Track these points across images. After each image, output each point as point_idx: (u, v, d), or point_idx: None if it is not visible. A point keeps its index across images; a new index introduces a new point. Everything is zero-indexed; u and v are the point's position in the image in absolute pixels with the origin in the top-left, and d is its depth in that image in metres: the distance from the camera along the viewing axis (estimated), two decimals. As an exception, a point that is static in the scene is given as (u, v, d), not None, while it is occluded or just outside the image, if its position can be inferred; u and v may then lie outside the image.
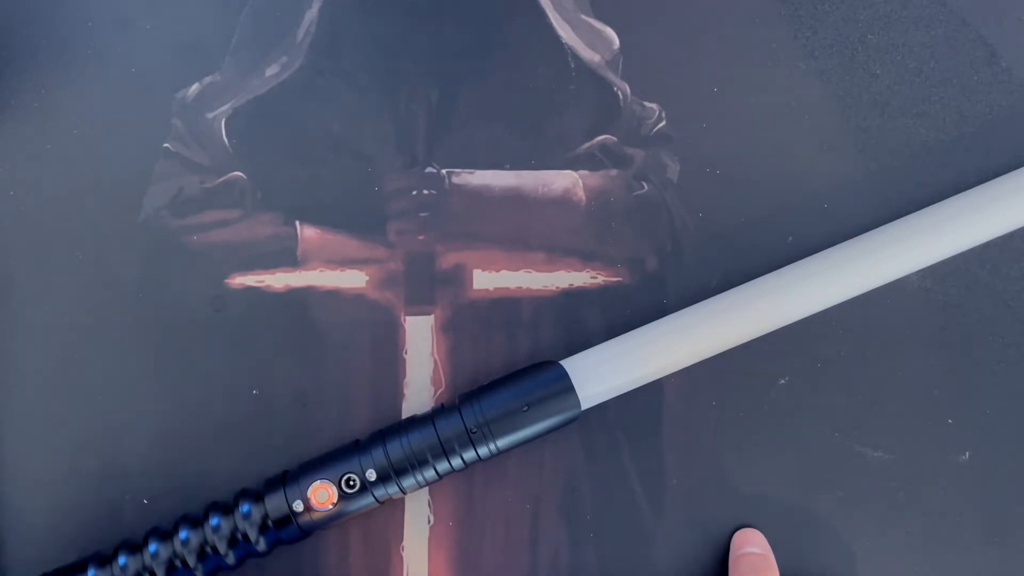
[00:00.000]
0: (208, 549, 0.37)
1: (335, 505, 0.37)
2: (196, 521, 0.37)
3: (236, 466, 0.40)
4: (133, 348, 0.41)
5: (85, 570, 0.37)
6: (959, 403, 0.42)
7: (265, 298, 0.42)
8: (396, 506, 0.41)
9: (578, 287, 0.42)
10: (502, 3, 0.44)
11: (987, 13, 0.44)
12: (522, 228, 0.42)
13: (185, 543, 0.37)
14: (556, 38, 0.44)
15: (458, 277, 0.42)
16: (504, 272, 0.42)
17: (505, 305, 0.42)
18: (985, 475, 0.41)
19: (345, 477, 0.37)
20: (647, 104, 0.43)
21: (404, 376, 0.42)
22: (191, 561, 0.37)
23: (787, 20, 0.44)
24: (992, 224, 0.40)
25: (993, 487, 0.41)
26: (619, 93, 0.43)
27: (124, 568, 0.36)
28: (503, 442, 0.37)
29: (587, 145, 0.43)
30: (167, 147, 0.43)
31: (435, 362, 0.42)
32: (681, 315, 0.40)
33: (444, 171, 0.43)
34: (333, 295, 0.42)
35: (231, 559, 0.37)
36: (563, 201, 0.43)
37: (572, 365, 0.39)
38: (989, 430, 0.41)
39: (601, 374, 0.39)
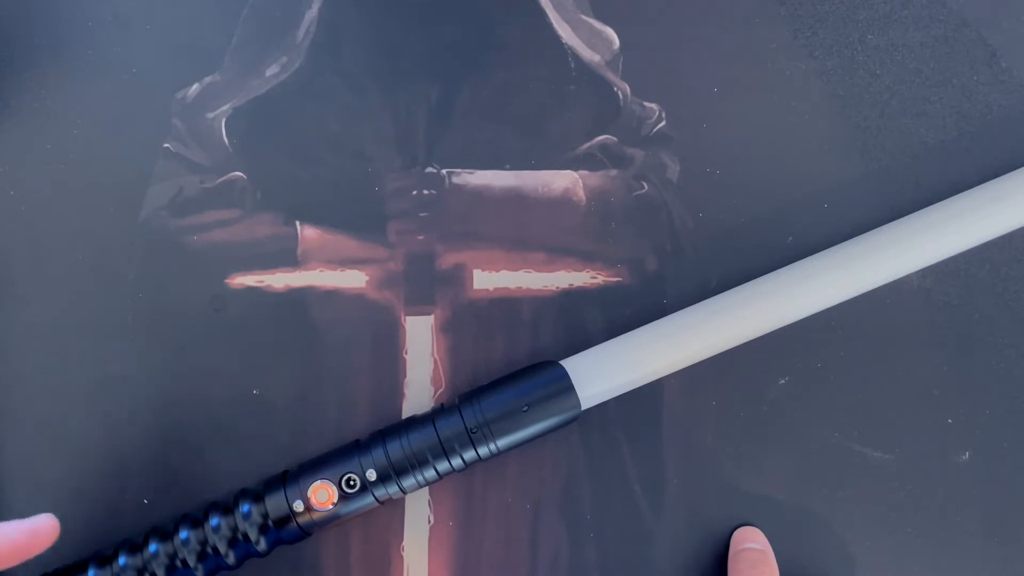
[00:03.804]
0: (208, 549, 0.37)
1: (335, 505, 0.37)
2: (196, 521, 0.37)
3: (236, 466, 0.40)
4: (133, 348, 0.41)
5: (85, 570, 0.37)
6: (959, 403, 0.42)
7: (265, 298, 0.42)
8: (396, 506, 0.41)
9: (578, 287, 0.42)
10: (502, 3, 0.44)
11: (987, 13, 0.44)
12: (522, 228, 0.42)
13: (185, 543, 0.37)
14: (556, 38, 0.44)
15: (458, 277, 0.42)
16: (504, 272, 0.42)
17: (505, 305, 0.42)
18: (985, 475, 0.41)
19: (345, 477, 0.37)
20: (647, 104, 0.43)
21: (404, 376, 0.42)
22: (191, 561, 0.36)
23: (787, 20, 0.44)
24: (992, 224, 0.40)
25: (993, 487, 0.41)
26: (619, 93, 0.43)
27: (124, 568, 0.36)
28: (503, 442, 0.37)
29: (587, 145, 0.43)
30: (167, 147, 0.43)
31: (435, 362, 0.42)
32: (681, 315, 0.40)
33: (444, 171, 0.43)
34: (333, 295, 0.42)
35: (231, 559, 0.37)
36: (563, 201, 0.43)
37: (572, 365, 0.39)
38: (989, 430, 0.41)
39: (601, 374, 0.39)
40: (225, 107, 0.43)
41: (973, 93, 0.43)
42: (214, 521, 0.37)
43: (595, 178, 0.43)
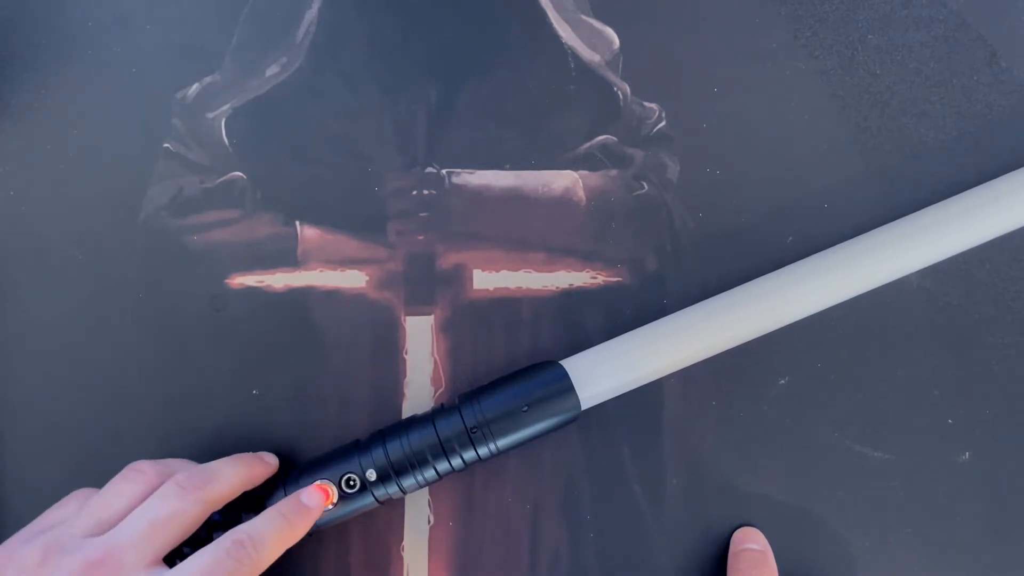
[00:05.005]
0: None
1: (335, 505, 0.37)
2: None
3: (236, 466, 0.40)
4: (133, 348, 0.41)
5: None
6: (959, 403, 0.42)
7: (265, 298, 0.42)
8: (396, 506, 0.41)
9: (578, 287, 0.42)
10: (502, 3, 0.44)
11: (987, 13, 0.44)
12: (522, 228, 0.42)
13: (187, 543, 0.37)
14: (556, 38, 0.44)
15: (458, 277, 0.42)
16: (504, 272, 0.42)
17: (505, 305, 0.42)
18: (985, 475, 0.41)
19: (345, 477, 0.37)
20: (647, 104, 0.43)
21: (404, 376, 0.42)
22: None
23: (787, 20, 0.44)
24: (992, 224, 0.40)
25: (993, 487, 0.41)
26: (619, 93, 0.43)
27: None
28: (503, 442, 0.37)
29: (587, 145, 0.43)
30: (167, 147, 0.43)
31: (435, 362, 0.42)
32: (681, 315, 0.40)
33: (444, 171, 0.43)
34: (333, 295, 0.42)
35: (231, 559, 0.37)
36: (563, 201, 0.43)
37: (572, 365, 0.39)
38: (989, 430, 0.41)
39: (601, 374, 0.39)
40: (225, 107, 0.43)
41: (973, 93, 0.43)
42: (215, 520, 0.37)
43: (595, 178, 0.43)
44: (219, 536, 0.34)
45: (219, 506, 0.35)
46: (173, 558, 0.34)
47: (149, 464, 0.36)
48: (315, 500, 0.36)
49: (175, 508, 0.33)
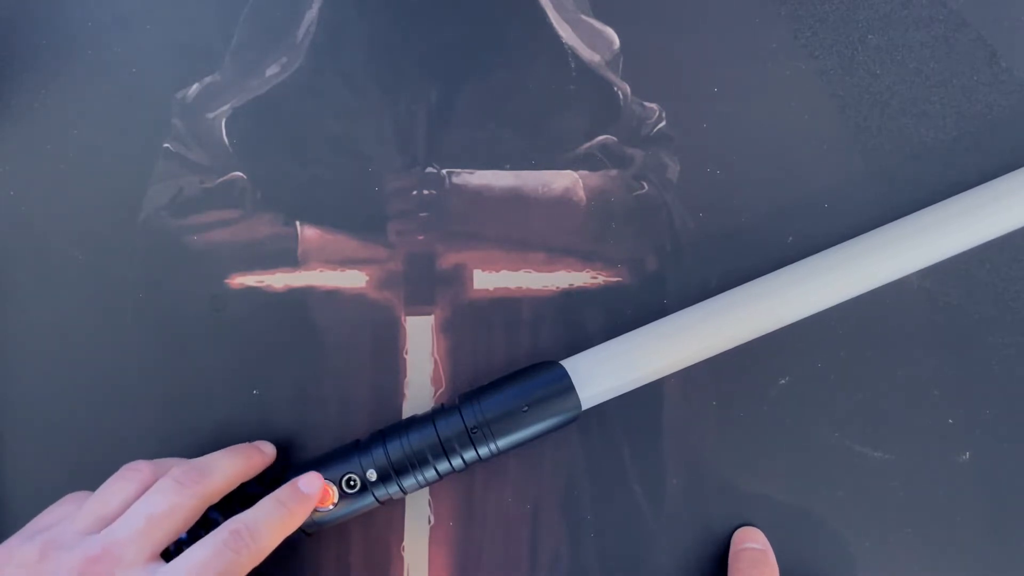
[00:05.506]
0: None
1: (335, 505, 0.37)
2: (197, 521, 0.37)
3: (236, 466, 0.40)
4: (133, 348, 0.41)
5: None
6: (959, 403, 0.42)
7: (265, 298, 0.42)
8: (396, 506, 0.41)
9: (578, 287, 0.42)
10: (502, 3, 0.44)
11: (987, 13, 0.44)
12: (522, 228, 0.42)
13: (186, 542, 0.37)
14: (556, 38, 0.44)
15: (458, 277, 0.42)
16: (504, 272, 0.42)
17: (505, 305, 0.42)
18: (985, 475, 0.41)
19: (345, 477, 0.37)
20: (647, 104, 0.43)
21: (404, 376, 0.42)
22: (191, 561, 0.36)
23: (787, 20, 0.44)
24: (992, 224, 0.40)
25: (993, 487, 0.41)
26: (619, 93, 0.43)
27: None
28: (503, 442, 0.37)
29: (587, 145, 0.43)
30: (167, 147, 0.43)
31: (435, 362, 0.42)
32: (681, 315, 0.40)
33: (444, 171, 0.43)
34: (333, 295, 0.42)
35: (231, 559, 0.37)
36: (563, 201, 0.43)
37: (572, 365, 0.39)
38: (989, 430, 0.41)
39: (601, 374, 0.39)
40: (225, 107, 0.43)
41: (973, 93, 0.43)
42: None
43: (595, 178, 0.43)
44: None
45: (217, 499, 0.35)
46: (171, 555, 0.34)
47: (145, 463, 0.36)
48: (313, 487, 0.36)
49: (173, 502, 0.33)
